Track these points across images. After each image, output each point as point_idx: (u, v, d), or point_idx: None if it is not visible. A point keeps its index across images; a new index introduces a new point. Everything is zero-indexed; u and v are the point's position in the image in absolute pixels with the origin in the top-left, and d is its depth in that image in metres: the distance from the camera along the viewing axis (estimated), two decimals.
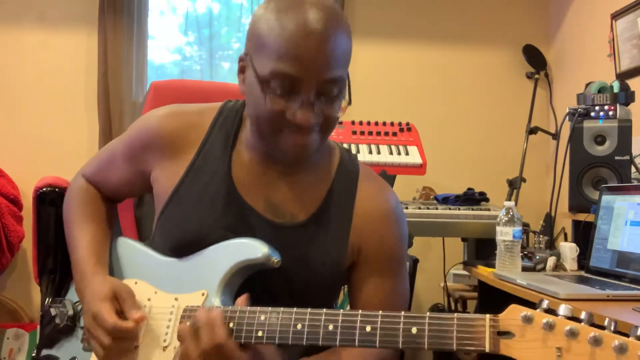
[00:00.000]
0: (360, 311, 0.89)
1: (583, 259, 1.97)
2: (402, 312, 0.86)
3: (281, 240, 1.06)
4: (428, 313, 0.85)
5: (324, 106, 1.00)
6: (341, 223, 1.11)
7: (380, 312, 0.88)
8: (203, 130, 1.14)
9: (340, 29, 1.00)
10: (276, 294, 1.06)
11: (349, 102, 1.07)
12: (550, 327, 0.75)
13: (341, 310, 0.91)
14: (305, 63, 0.96)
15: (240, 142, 1.13)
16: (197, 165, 1.12)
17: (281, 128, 1.00)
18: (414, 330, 0.84)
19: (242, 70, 1.07)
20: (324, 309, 0.92)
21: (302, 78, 0.96)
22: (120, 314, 1.05)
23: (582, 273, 1.89)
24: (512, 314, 0.79)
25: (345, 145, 2.40)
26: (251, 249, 1.02)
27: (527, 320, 0.77)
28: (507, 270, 1.87)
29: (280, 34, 0.97)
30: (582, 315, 0.75)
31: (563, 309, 0.76)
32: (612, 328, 0.73)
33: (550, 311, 0.78)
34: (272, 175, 1.11)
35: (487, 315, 0.81)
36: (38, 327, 1.25)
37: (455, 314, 0.83)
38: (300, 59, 0.96)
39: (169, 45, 3.55)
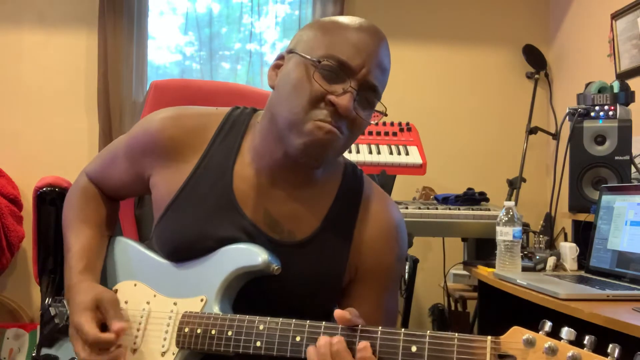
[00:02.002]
0: (360, 326, 0.88)
1: (583, 259, 1.97)
2: (403, 329, 0.85)
3: (278, 257, 1.03)
4: (428, 332, 0.84)
5: (359, 108, 1.00)
6: (341, 244, 1.08)
7: (380, 327, 0.87)
8: (206, 137, 1.11)
9: (388, 53, 1.05)
10: (274, 303, 1.04)
11: (385, 114, 1.07)
12: (552, 351, 0.74)
13: (340, 325, 0.90)
14: (360, 57, 0.98)
15: (243, 154, 1.10)
16: (197, 174, 1.09)
17: (313, 114, 0.98)
18: (413, 348, 0.83)
19: (275, 68, 1.07)
20: (323, 322, 0.91)
21: (353, 69, 0.98)
22: (104, 324, 1.04)
23: (582, 273, 1.89)
24: (514, 337, 0.78)
25: None
26: (251, 255, 1.01)
27: (529, 343, 0.76)
28: (507, 270, 1.87)
29: (338, 28, 1.02)
30: (586, 340, 0.74)
31: (566, 332, 0.75)
32: (615, 355, 0.72)
33: (553, 332, 0.76)
34: (274, 189, 1.08)
35: (489, 337, 0.79)
36: (38, 327, 1.25)
37: (456, 334, 0.82)
38: (356, 50, 0.99)
39: (169, 45, 3.55)
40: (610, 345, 0.72)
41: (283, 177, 1.07)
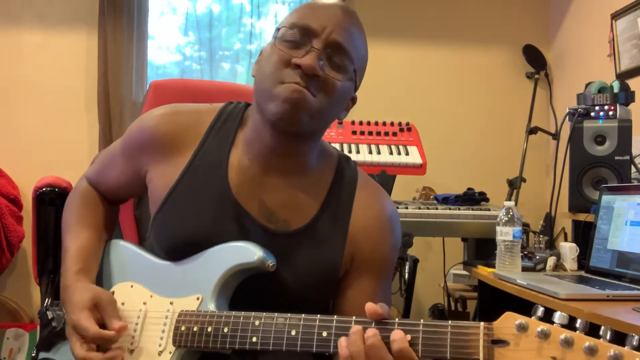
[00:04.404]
0: (354, 317, 0.88)
1: (583, 259, 1.97)
2: (397, 319, 0.85)
3: (274, 247, 1.04)
4: (422, 320, 0.84)
5: (327, 69, 1.02)
6: (337, 233, 1.09)
7: (375, 319, 0.87)
8: (200, 131, 1.13)
9: (358, 23, 1.09)
10: (270, 299, 1.05)
11: (356, 87, 1.11)
12: (545, 335, 0.74)
13: (335, 316, 0.90)
14: (321, 18, 1.02)
15: (238, 146, 1.11)
16: (193, 167, 1.10)
17: (282, 77, 1.01)
18: (407, 337, 0.83)
19: (257, 62, 1.10)
20: (318, 315, 0.91)
21: (315, 30, 1.01)
22: (102, 323, 1.04)
23: (582, 273, 1.89)
24: (507, 322, 0.78)
25: (345, 146, 2.41)
26: (246, 252, 1.01)
27: (522, 328, 0.76)
28: (507, 270, 1.87)
29: (310, 3, 1.07)
30: (578, 323, 0.74)
31: (558, 317, 0.75)
32: (607, 337, 0.72)
33: (546, 318, 0.76)
34: (268, 178, 1.08)
35: (482, 323, 0.80)
36: (38, 327, 1.24)
37: (449, 322, 0.82)
38: (316, 14, 1.03)
39: (169, 46, 3.56)
40: (602, 328, 0.72)
41: (276, 164, 1.08)
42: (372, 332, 0.85)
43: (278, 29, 1.05)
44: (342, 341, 0.87)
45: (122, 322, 1.04)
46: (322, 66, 1.01)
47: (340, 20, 1.04)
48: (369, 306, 0.87)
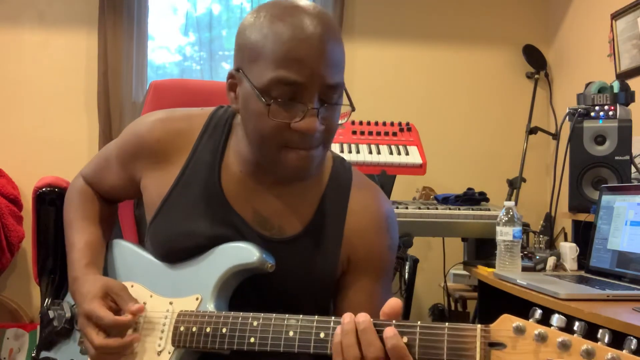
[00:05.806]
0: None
1: (583, 259, 1.97)
2: (394, 321, 0.85)
3: (270, 253, 1.03)
4: (419, 322, 0.84)
5: (326, 114, 0.97)
6: (332, 238, 1.09)
7: (372, 320, 0.87)
8: (192, 138, 1.12)
9: (335, 34, 0.98)
10: (268, 300, 1.05)
11: (353, 109, 1.04)
12: (542, 338, 0.74)
13: (332, 317, 0.90)
14: (307, 68, 0.93)
15: (229, 151, 1.10)
16: (186, 174, 1.10)
17: (285, 142, 0.97)
18: (404, 339, 0.83)
19: (232, 88, 1.02)
20: (316, 316, 0.92)
21: (305, 84, 0.93)
22: (115, 311, 1.05)
23: (582, 273, 1.89)
24: (504, 324, 0.78)
25: (345, 146, 2.41)
26: (246, 253, 1.02)
27: (519, 331, 0.76)
28: (507, 270, 1.87)
29: (277, 39, 0.93)
30: (576, 326, 0.74)
31: (556, 319, 0.75)
32: (605, 340, 0.71)
33: (544, 320, 0.76)
34: (262, 186, 1.08)
35: (479, 326, 0.79)
36: (38, 327, 1.24)
37: (446, 324, 0.82)
38: (301, 63, 0.93)
39: (170, 46, 3.55)
40: (600, 331, 0.72)
41: (269, 177, 1.07)
42: (363, 316, 0.85)
43: (263, 92, 0.94)
44: (338, 328, 0.87)
45: (139, 304, 1.05)
46: (320, 116, 0.96)
47: (325, 58, 0.94)
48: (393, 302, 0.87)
